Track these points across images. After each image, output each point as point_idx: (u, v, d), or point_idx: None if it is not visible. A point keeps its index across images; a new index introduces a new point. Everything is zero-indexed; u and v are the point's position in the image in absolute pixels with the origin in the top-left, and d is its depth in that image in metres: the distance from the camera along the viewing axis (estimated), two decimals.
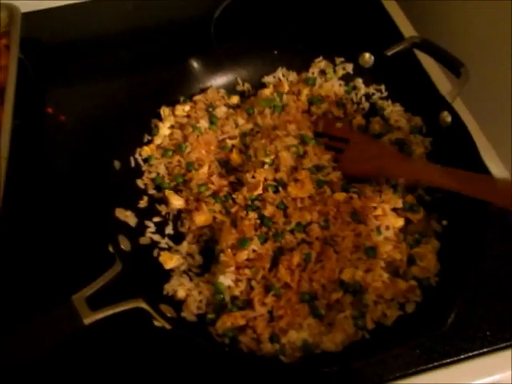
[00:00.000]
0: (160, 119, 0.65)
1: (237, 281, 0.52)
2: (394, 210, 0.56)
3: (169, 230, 0.59)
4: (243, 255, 0.53)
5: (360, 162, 0.61)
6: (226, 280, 0.52)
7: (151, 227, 0.58)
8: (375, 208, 0.55)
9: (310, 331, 0.49)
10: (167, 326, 0.47)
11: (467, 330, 0.53)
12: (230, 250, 0.54)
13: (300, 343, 0.48)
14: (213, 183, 0.60)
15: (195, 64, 0.67)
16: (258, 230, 0.55)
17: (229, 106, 0.68)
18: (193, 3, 0.90)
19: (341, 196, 0.56)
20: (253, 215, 0.56)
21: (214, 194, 0.59)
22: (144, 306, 0.47)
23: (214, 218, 0.58)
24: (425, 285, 0.52)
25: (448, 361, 0.51)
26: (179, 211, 0.60)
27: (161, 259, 0.55)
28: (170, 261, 0.55)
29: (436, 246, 0.54)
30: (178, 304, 0.52)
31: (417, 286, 0.51)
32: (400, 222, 0.55)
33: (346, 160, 0.61)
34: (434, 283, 0.51)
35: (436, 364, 0.51)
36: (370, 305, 0.51)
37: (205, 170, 0.61)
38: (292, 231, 0.55)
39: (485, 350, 0.52)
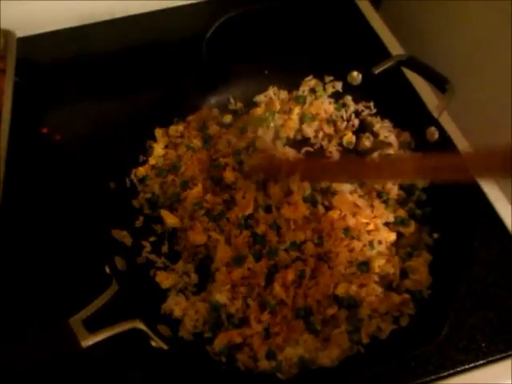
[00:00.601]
0: (154, 140, 0.66)
1: (232, 299, 0.53)
2: (386, 224, 0.58)
3: (165, 249, 0.59)
4: (238, 273, 0.54)
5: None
6: (221, 298, 0.53)
7: (147, 247, 0.59)
8: (367, 223, 0.56)
9: (306, 347, 0.49)
10: (164, 347, 0.47)
11: (461, 341, 0.54)
12: (225, 268, 0.55)
13: (296, 359, 0.48)
14: (207, 201, 0.61)
15: (188, 85, 0.69)
16: (251, 247, 0.56)
17: (222, 125, 0.69)
18: (185, 24, 0.91)
19: (335, 214, 0.57)
20: (246, 233, 0.57)
21: (208, 213, 0.60)
22: (141, 326, 0.48)
23: (209, 236, 0.58)
24: (418, 297, 0.53)
25: (444, 374, 0.52)
26: (174, 230, 0.61)
27: (157, 279, 0.56)
28: (166, 280, 0.56)
29: (428, 259, 0.55)
30: (174, 323, 0.52)
31: (410, 299, 0.52)
32: (392, 236, 0.57)
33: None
34: (427, 296, 0.52)
35: (432, 377, 0.52)
36: (364, 319, 0.52)
37: (199, 188, 0.62)
38: (286, 249, 0.56)
39: (480, 361, 0.52)
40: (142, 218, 0.61)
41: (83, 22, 0.90)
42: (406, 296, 0.52)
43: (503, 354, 0.53)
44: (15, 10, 0.87)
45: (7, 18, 0.81)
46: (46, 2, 0.89)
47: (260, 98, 0.71)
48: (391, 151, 0.64)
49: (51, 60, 0.87)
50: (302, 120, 0.68)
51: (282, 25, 0.90)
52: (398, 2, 1.04)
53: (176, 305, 0.53)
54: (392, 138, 0.66)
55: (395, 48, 0.86)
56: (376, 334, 0.51)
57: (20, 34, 0.79)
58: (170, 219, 0.60)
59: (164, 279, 0.56)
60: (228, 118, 0.70)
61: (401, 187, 0.62)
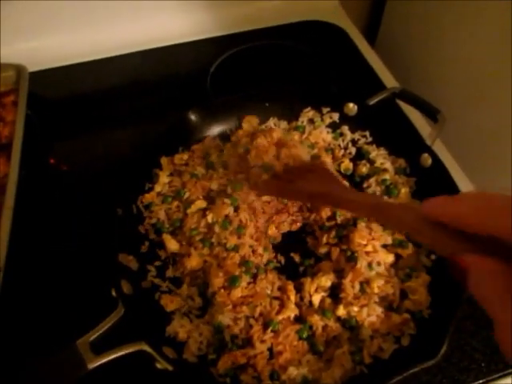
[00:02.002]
0: (160, 168, 0.68)
1: (235, 319, 0.54)
2: (384, 246, 0.59)
3: (169, 273, 0.61)
4: (237, 293, 0.55)
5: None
6: (224, 319, 0.54)
7: (152, 271, 0.60)
8: (366, 245, 0.58)
9: (310, 367, 0.50)
10: (170, 368, 0.48)
11: (462, 361, 0.54)
12: (223, 291, 0.56)
13: (300, 380, 0.49)
14: (203, 227, 0.62)
15: (193, 116, 0.72)
16: (241, 267, 0.57)
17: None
18: (190, 59, 0.96)
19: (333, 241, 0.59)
20: (233, 255, 0.58)
21: (203, 239, 0.61)
22: (147, 348, 0.49)
23: (205, 261, 0.59)
24: (418, 317, 0.54)
25: None
26: (175, 255, 0.62)
27: (162, 302, 0.57)
28: (170, 303, 0.57)
29: (426, 280, 0.56)
30: (179, 345, 0.53)
31: (410, 319, 0.53)
32: (390, 258, 0.58)
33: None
34: (427, 315, 0.53)
35: None
36: (366, 340, 0.53)
37: (198, 213, 0.63)
38: None
39: (480, 381, 0.53)
40: (147, 243, 0.63)
41: (92, 58, 0.94)
42: (407, 316, 0.54)
43: (502, 373, 0.54)
44: (27, 46, 0.93)
45: (19, 53, 0.86)
46: (56, 39, 0.95)
47: (261, 127, 0.75)
48: (387, 176, 0.67)
49: (60, 93, 0.91)
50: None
51: (281, 60, 0.95)
52: (392, 37, 1.10)
53: (180, 327, 0.54)
54: (388, 165, 0.68)
55: (389, 81, 0.90)
56: (378, 354, 0.51)
57: (31, 68, 0.83)
58: (171, 244, 0.62)
59: (169, 302, 0.57)
60: (229, 146, 0.73)
61: None
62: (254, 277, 0.57)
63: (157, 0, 0.97)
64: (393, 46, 1.10)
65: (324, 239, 0.60)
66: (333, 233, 0.60)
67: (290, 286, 0.55)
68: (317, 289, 0.55)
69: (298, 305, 0.55)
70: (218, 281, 0.56)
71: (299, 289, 0.56)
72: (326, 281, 0.55)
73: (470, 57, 0.86)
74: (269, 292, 0.56)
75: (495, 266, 0.27)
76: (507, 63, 0.75)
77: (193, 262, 0.59)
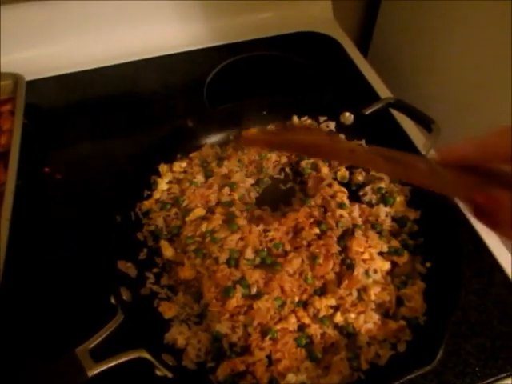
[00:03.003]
0: (159, 175, 0.69)
1: (233, 328, 0.54)
2: (381, 254, 0.60)
3: (164, 281, 0.61)
4: (232, 303, 0.55)
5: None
6: (222, 328, 0.54)
7: (151, 278, 0.60)
8: (363, 253, 0.59)
9: (308, 374, 0.50)
10: (169, 375, 0.48)
11: (458, 366, 0.55)
12: (215, 301, 0.56)
13: None
14: (198, 236, 0.62)
15: (191, 124, 0.73)
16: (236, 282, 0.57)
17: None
18: (187, 69, 0.97)
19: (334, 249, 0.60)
20: (224, 267, 0.58)
21: (197, 249, 0.61)
22: (146, 355, 0.49)
23: (198, 272, 0.59)
24: (413, 324, 0.54)
25: None
26: (170, 262, 0.62)
27: (160, 309, 0.57)
28: (169, 311, 0.57)
29: (422, 287, 0.57)
30: (178, 353, 0.53)
31: (406, 325, 0.54)
32: (387, 266, 0.59)
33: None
34: (423, 322, 0.54)
35: None
36: (363, 346, 0.53)
37: (197, 222, 0.64)
38: None
39: None
40: (145, 250, 0.63)
41: (88, 67, 0.95)
42: (403, 323, 0.54)
43: (496, 377, 0.55)
44: (24, 55, 0.93)
45: (16, 62, 0.87)
46: (53, 48, 0.96)
47: None
48: (383, 185, 0.68)
49: (56, 102, 0.91)
50: (298, 156, 0.72)
51: (276, 70, 0.96)
52: (384, 48, 1.13)
53: (179, 334, 0.54)
54: (383, 173, 0.69)
55: (383, 91, 0.92)
56: (375, 361, 0.52)
57: (28, 77, 0.83)
58: (168, 251, 0.62)
59: (167, 309, 0.57)
60: (227, 154, 0.74)
61: (393, 219, 0.65)
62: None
63: (153, 10, 0.99)
64: (385, 56, 1.12)
65: (330, 265, 0.58)
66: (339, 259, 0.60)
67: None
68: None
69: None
70: (209, 294, 0.57)
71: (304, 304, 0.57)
72: (332, 299, 0.56)
73: (461, 67, 0.88)
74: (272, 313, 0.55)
75: None
76: (497, 72, 0.77)
77: (186, 273, 0.59)
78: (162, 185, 0.67)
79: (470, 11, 0.82)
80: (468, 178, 0.35)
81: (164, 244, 0.63)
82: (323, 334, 0.54)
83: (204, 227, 0.61)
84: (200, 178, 0.68)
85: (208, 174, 0.69)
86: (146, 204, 0.66)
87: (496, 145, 0.33)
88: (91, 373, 0.46)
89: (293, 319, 0.54)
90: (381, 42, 1.14)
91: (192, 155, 0.72)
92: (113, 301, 0.53)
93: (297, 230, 0.61)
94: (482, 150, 0.34)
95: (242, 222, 0.61)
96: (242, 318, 0.55)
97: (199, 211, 0.64)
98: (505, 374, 0.55)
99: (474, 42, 0.82)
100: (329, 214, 0.63)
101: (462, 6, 0.83)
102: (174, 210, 0.66)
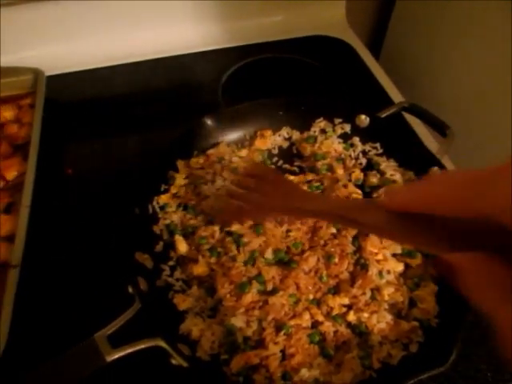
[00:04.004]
0: (176, 170, 0.70)
1: (248, 322, 0.55)
2: (394, 255, 0.61)
3: (177, 274, 0.61)
4: (248, 298, 0.56)
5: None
6: (237, 322, 0.55)
7: (166, 270, 0.61)
8: (377, 253, 0.60)
9: (321, 370, 0.51)
10: (185, 365, 0.49)
11: (469, 371, 0.56)
12: (229, 296, 0.57)
13: (311, 381, 0.50)
14: (213, 237, 0.63)
15: (208, 121, 0.74)
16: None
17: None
18: (202, 69, 0.99)
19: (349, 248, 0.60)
20: (240, 264, 0.59)
21: (212, 248, 0.62)
22: (163, 344, 0.49)
23: (212, 269, 0.60)
24: (425, 326, 0.55)
25: None
26: (183, 257, 0.63)
27: (174, 301, 0.58)
28: (182, 303, 0.58)
29: (434, 290, 0.58)
30: (192, 344, 0.54)
31: (418, 326, 0.55)
32: (400, 267, 0.60)
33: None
34: (435, 324, 0.55)
35: None
36: (375, 345, 0.54)
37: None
38: None
39: None
40: (161, 243, 0.64)
41: (106, 64, 0.97)
42: (415, 324, 0.55)
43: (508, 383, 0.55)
44: (44, 51, 0.95)
45: (37, 58, 0.88)
46: (72, 45, 0.98)
47: (274, 137, 0.77)
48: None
49: (73, 98, 0.93)
50: (314, 158, 0.73)
51: (289, 73, 0.97)
52: (396, 52, 1.14)
53: (194, 326, 0.55)
54: (397, 176, 0.70)
55: (395, 94, 0.93)
56: (387, 360, 0.53)
57: (47, 72, 0.85)
58: (182, 247, 0.63)
59: (181, 301, 0.58)
60: (244, 153, 0.75)
61: None
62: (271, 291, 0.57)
63: (170, 11, 1.00)
64: (397, 60, 1.13)
65: (345, 265, 0.59)
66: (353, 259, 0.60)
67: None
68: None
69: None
70: (223, 290, 0.57)
71: (318, 302, 0.57)
72: (345, 298, 0.56)
73: (474, 70, 0.89)
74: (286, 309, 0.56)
75: (486, 263, 0.25)
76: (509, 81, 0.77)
77: (199, 269, 0.60)
78: (180, 180, 0.68)
79: (484, 13, 0.83)
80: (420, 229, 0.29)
81: (178, 239, 0.63)
82: (336, 332, 0.55)
83: (234, 228, 0.61)
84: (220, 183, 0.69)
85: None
86: (163, 198, 0.67)
87: (439, 195, 0.27)
88: (109, 358, 0.47)
89: (307, 316, 0.55)
90: (393, 46, 1.15)
91: (209, 152, 0.73)
92: (130, 290, 0.54)
93: (315, 229, 0.62)
94: (424, 199, 0.28)
95: (268, 224, 0.61)
96: (256, 312, 0.55)
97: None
98: None
99: (489, 45, 0.83)
100: None
101: (476, 9, 0.84)
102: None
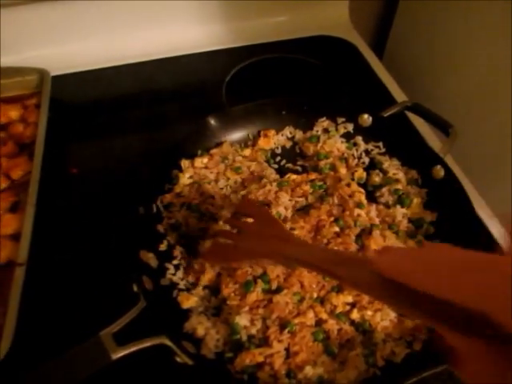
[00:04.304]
0: (180, 170, 0.70)
1: (252, 320, 0.55)
2: None
3: (179, 274, 0.61)
4: (252, 297, 0.56)
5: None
6: (241, 320, 0.55)
7: (170, 269, 0.62)
8: None
9: (325, 368, 0.51)
10: (190, 362, 0.49)
11: None
12: (233, 295, 0.57)
13: (315, 379, 0.50)
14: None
15: (212, 121, 0.74)
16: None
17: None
18: (205, 69, 0.99)
19: (352, 247, 0.61)
20: (245, 265, 0.59)
21: None
22: (168, 342, 0.50)
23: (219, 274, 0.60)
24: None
25: None
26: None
27: (179, 299, 0.58)
28: (186, 301, 0.58)
29: None
30: (197, 342, 0.54)
31: (421, 325, 0.55)
32: None
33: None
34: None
35: None
36: (379, 343, 0.54)
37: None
38: None
39: None
40: (166, 242, 0.64)
41: (110, 64, 0.97)
42: (418, 321, 0.55)
43: None
44: (49, 51, 0.96)
45: (42, 58, 0.89)
46: (77, 45, 0.98)
47: (278, 137, 0.77)
48: (400, 187, 0.69)
49: (77, 98, 0.93)
50: (317, 157, 0.73)
51: (293, 72, 0.98)
52: (399, 52, 1.14)
53: (198, 324, 0.55)
54: (400, 175, 0.70)
55: (398, 94, 0.93)
56: (390, 358, 0.53)
57: (53, 72, 0.85)
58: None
59: (185, 300, 0.58)
60: (247, 152, 0.75)
61: (410, 220, 0.66)
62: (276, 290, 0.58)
63: (175, 11, 1.01)
64: (400, 60, 1.13)
65: None
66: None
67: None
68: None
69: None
70: (227, 289, 0.58)
71: (322, 300, 0.58)
72: (349, 296, 0.56)
73: (477, 70, 0.89)
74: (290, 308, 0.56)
75: (487, 353, 0.23)
76: None
77: (206, 278, 0.60)
78: (184, 179, 0.69)
79: (487, 15, 0.83)
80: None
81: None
82: (340, 330, 0.55)
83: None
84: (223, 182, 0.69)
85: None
86: (168, 197, 0.67)
87: (431, 272, 0.25)
88: (115, 355, 0.48)
89: (311, 314, 0.55)
90: (396, 46, 1.16)
91: (212, 152, 0.73)
92: (135, 289, 0.54)
93: (318, 228, 0.62)
94: (414, 273, 0.26)
95: None
96: (261, 311, 0.56)
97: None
98: None
99: (492, 45, 0.83)
100: (347, 212, 0.64)
101: (479, 10, 0.84)
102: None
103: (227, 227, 0.61)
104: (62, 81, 0.92)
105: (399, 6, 1.10)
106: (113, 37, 1.00)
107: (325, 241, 0.61)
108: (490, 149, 0.85)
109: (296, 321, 0.55)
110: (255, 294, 0.57)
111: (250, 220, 0.56)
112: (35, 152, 0.71)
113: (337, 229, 0.62)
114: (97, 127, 0.88)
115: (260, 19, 1.07)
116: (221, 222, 0.63)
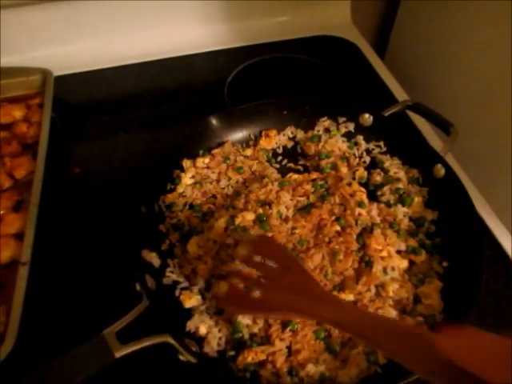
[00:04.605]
0: (182, 170, 0.71)
1: (254, 319, 0.56)
2: (398, 252, 0.61)
3: (184, 271, 0.62)
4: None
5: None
6: (244, 319, 0.55)
7: (171, 267, 0.62)
8: (381, 250, 0.60)
9: (326, 366, 0.52)
10: (193, 360, 0.49)
11: None
12: None
13: (317, 377, 0.51)
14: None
15: (214, 121, 0.75)
16: None
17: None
18: (208, 69, 1.00)
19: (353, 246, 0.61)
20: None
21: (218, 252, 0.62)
22: (171, 340, 0.50)
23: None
24: (430, 321, 0.55)
25: None
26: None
27: (181, 298, 0.59)
28: (188, 300, 0.58)
29: (439, 286, 0.58)
30: (199, 341, 0.55)
31: (423, 322, 0.55)
32: (404, 263, 0.60)
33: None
34: (440, 320, 0.55)
35: None
36: None
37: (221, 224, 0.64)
38: None
39: None
40: (168, 242, 0.64)
41: (113, 65, 0.98)
42: (420, 319, 0.55)
43: None
44: (54, 51, 0.96)
45: (44, 58, 0.89)
46: (79, 45, 0.98)
47: (279, 137, 0.78)
48: (401, 186, 0.69)
49: (81, 98, 0.94)
50: (319, 157, 0.74)
51: (295, 72, 0.98)
52: (401, 52, 1.14)
53: (201, 323, 0.55)
54: (401, 174, 0.71)
55: (400, 94, 0.93)
56: None
57: (56, 73, 0.85)
58: (192, 248, 0.64)
59: (187, 299, 0.58)
60: (249, 152, 0.75)
61: (411, 219, 0.66)
62: None
63: (177, 12, 1.01)
64: (402, 59, 1.13)
65: (350, 262, 0.60)
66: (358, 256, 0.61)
67: None
68: None
69: None
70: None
71: None
72: (350, 295, 0.57)
73: (479, 70, 0.89)
74: None
75: None
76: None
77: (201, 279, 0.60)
78: (186, 179, 0.69)
79: (487, 14, 0.83)
80: None
81: (192, 241, 0.63)
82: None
83: (238, 220, 0.62)
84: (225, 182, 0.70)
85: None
86: (170, 197, 0.68)
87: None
88: (118, 354, 0.48)
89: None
90: (398, 46, 1.16)
91: (214, 152, 0.74)
92: (138, 288, 0.55)
93: (319, 227, 0.62)
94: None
95: (274, 221, 0.62)
96: None
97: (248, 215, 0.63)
98: None
99: (493, 44, 0.83)
100: (348, 212, 0.64)
101: (479, 9, 0.84)
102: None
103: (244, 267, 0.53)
104: (65, 81, 0.92)
105: (400, 6, 1.10)
106: (115, 37, 1.00)
107: (326, 239, 0.61)
108: (491, 148, 0.85)
109: (298, 319, 0.55)
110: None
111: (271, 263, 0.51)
112: (38, 152, 0.71)
113: (338, 228, 0.62)
114: (99, 127, 0.88)
115: (262, 19, 1.07)
116: (237, 261, 0.54)
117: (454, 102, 0.95)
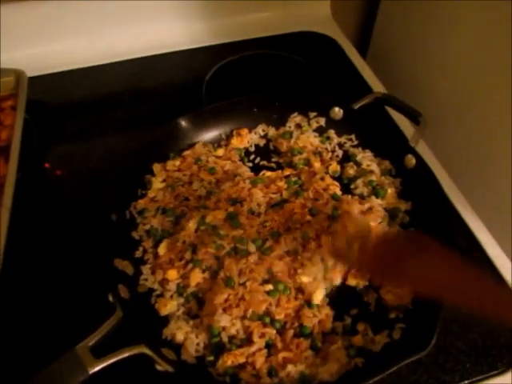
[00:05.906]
0: (152, 174, 0.69)
1: (231, 320, 0.55)
2: None
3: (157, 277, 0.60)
4: (219, 298, 0.55)
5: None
6: (221, 321, 0.54)
7: (144, 274, 0.60)
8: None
9: (307, 363, 0.51)
10: (170, 370, 0.49)
11: (448, 363, 0.57)
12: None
13: (297, 376, 0.50)
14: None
15: (183, 123, 0.73)
16: None
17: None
18: (186, 67, 0.97)
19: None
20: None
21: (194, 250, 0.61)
22: (147, 351, 0.49)
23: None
24: (403, 310, 0.56)
25: None
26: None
27: (157, 306, 0.57)
28: (164, 307, 0.57)
29: None
30: (176, 348, 0.54)
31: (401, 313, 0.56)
32: None
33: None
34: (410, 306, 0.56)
35: None
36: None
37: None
38: None
39: (465, 381, 0.55)
40: (141, 249, 0.63)
41: (89, 64, 0.95)
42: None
43: (486, 375, 0.56)
44: (26, 52, 0.93)
45: (18, 59, 0.85)
46: (54, 45, 0.95)
47: (251, 135, 0.77)
48: (374, 178, 0.69)
49: (57, 99, 0.91)
50: (291, 153, 0.73)
51: (275, 69, 0.96)
52: (383, 49, 1.13)
53: (177, 329, 0.55)
54: (374, 166, 0.71)
55: (380, 89, 0.92)
56: (370, 347, 0.53)
57: (30, 73, 0.83)
58: (162, 251, 0.62)
59: (163, 306, 0.57)
60: (221, 152, 0.74)
61: (385, 210, 0.67)
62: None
63: (155, 9, 0.99)
64: (384, 56, 1.13)
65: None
66: None
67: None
68: None
69: None
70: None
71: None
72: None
73: (459, 66, 0.89)
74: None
75: None
76: (496, 72, 0.78)
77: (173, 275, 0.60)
78: (157, 184, 0.68)
79: (468, 12, 0.83)
80: None
81: (163, 245, 0.62)
82: (320, 322, 0.55)
83: (208, 219, 0.61)
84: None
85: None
86: (141, 203, 0.66)
87: None
88: (92, 369, 0.47)
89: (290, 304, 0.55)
90: (380, 41, 1.15)
91: (185, 154, 0.72)
92: (111, 298, 0.53)
93: (291, 219, 0.62)
94: None
95: (244, 218, 0.62)
96: (235, 311, 0.55)
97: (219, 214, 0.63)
98: (495, 372, 0.56)
99: (472, 42, 0.84)
100: (320, 202, 0.64)
101: (460, 7, 0.84)
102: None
103: None
104: (41, 82, 0.90)
105: (382, 3, 1.09)
106: (92, 37, 0.97)
107: (298, 225, 0.61)
108: (473, 142, 0.86)
109: (277, 317, 0.55)
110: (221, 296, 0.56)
111: None
112: (10, 155, 0.69)
113: (309, 218, 0.62)
114: (76, 129, 0.85)
115: (242, 16, 1.05)
116: None
117: (436, 97, 0.95)
